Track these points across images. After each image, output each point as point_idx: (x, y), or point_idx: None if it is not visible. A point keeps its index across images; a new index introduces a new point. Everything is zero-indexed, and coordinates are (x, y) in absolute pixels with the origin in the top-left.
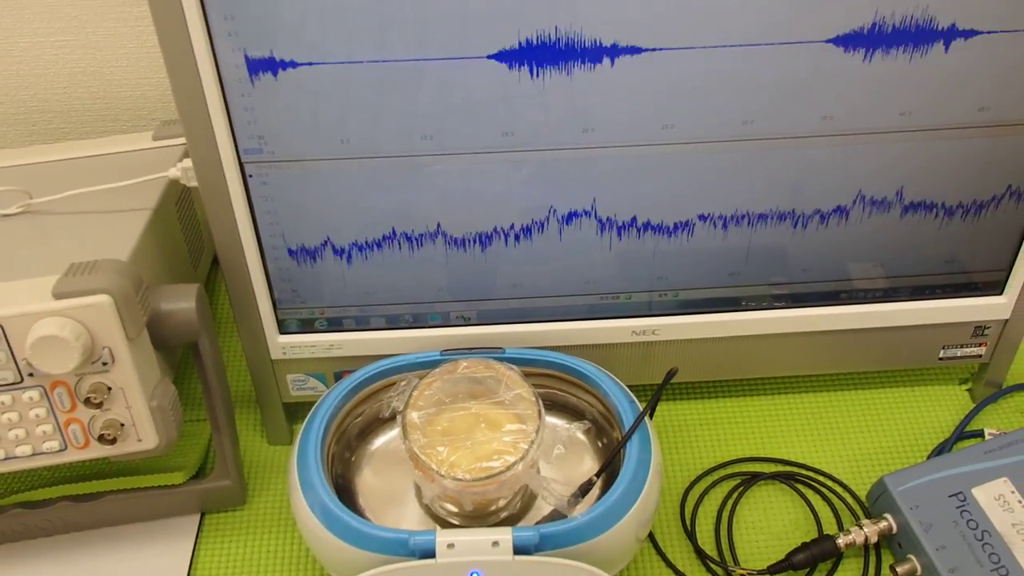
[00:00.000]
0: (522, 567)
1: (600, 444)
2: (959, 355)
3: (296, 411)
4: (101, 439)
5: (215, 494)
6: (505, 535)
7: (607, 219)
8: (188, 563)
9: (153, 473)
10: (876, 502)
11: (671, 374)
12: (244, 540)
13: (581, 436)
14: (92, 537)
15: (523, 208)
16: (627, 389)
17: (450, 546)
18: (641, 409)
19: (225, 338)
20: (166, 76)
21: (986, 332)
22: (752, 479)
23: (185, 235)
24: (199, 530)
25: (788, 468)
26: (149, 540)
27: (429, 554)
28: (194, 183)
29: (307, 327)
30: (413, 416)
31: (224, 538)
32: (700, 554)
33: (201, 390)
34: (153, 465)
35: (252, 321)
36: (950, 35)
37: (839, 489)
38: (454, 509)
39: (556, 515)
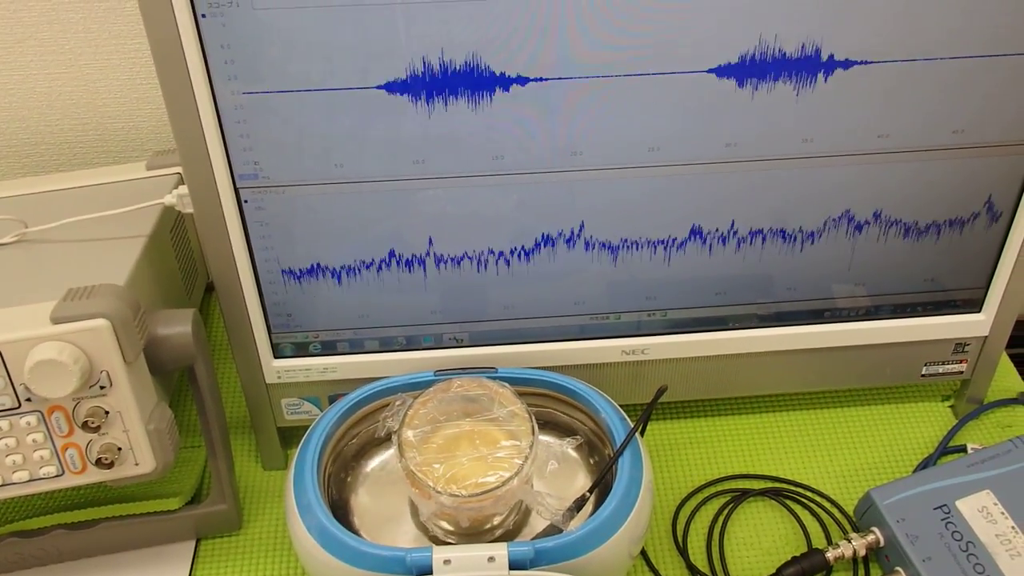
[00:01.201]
0: None
1: (592, 461)
2: (941, 372)
3: (291, 436)
4: (98, 463)
5: (211, 519)
6: (501, 551)
7: (596, 240)
8: None
9: (148, 499)
10: (863, 516)
11: (661, 391)
12: (240, 565)
13: (573, 453)
14: (88, 565)
15: (514, 230)
16: (618, 407)
17: (447, 562)
18: (632, 426)
19: (219, 363)
20: (159, 107)
21: (966, 349)
22: (742, 496)
23: (179, 262)
24: (195, 556)
25: (777, 484)
26: (145, 567)
27: (426, 571)
28: (189, 210)
29: (301, 351)
30: (408, 435)
31: (220, 564)
32: (692, 570)
33: (196, 416)
34: (148, 491)
35: (247, 346)
36: (918, 61)
37: (827, 504)
38: (450, 527)
39: (551, 531)
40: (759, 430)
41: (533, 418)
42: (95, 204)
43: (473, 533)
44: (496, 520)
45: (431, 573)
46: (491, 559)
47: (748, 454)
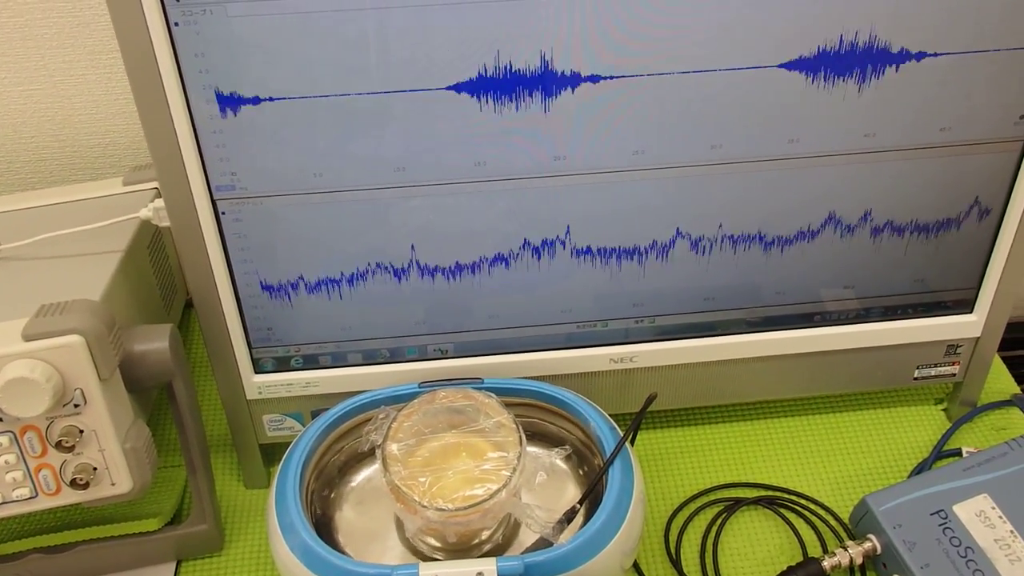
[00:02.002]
0: None
1: (581, 472)
2: (933, 375)
3: (273, 453)
4: (73, 484)
5: (192, 540)
6: (489, 566)
7: (581, 247)
8: None
9: (127, 521)
10: (859, 523)
11: (651, 399)
12: None
13: (562, 464)
14: None
15: (498, 238)
16: (607, 416)
17: None
18: (622, 435)
19: (199, 381)
20: (135, 122)
21: (958, 351)
22: (735, 505)
23: (157, 278)
24: None
25: (770, 493)
26: None
27: None
28: (166, 223)
29: (283, 366)
30: (392, 448)
31: None
32: None
33: (175, 434)
34: (127, 512)
35: (227, 361)
36: (904, 58)
37: (821, 512)
38: (437, 543)
39: (542, 544)
40: (751, 438)
41: (521, 428)
42: (70, 220)
43: (461, 549)
44: (484, 535)
45: None
46: (480, 575)
47: (740, 462)
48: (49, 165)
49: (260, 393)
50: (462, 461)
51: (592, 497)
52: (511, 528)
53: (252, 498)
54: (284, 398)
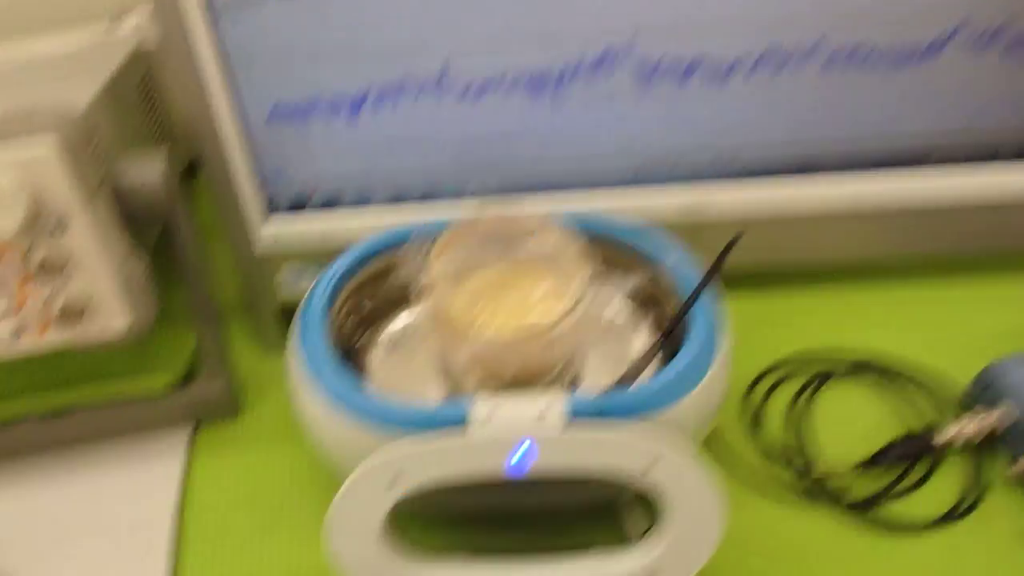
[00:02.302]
0: (579, 439)
1: (651, 319)
2: None
3: (292, 315)
4: (63, 317)
5: (205, 400)
6: (556, 401)
7: (649, 58)
8: (179, 481)
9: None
10: (981, 395)
11: (736, 238)
12: (242, 453)
13: (627, 309)
14: (67, 458)
15: (547, 43)
16: (684, 248)
17: (489, 415)
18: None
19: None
20: None
21: None
22: (827, 375)
23: (151, 129)
24: (191, 445)
25: (868, 360)
26: (133, 457)
27: (461, 422)
28: (153, 39)
29: (299, 207)
30: (435, 273)
31: (219, 453)
32: (769, 455)
33: (183, 300)
34: (131, 367)
35: (236, 205)
36: None
37: (932, 384)
38: (489, 384)
39: (618, 385)
40: (846, 305)
41: (585, 248)
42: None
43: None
44: (546, 379)
45: (467, 425)
46: (543, 413)
47: (833, 330)
48: (27, 14)
49: (275, 240)
50: (519, 287)
51: (670, 345)
52: (575, 378)
53: (271, 366)
54: (301, 249)
